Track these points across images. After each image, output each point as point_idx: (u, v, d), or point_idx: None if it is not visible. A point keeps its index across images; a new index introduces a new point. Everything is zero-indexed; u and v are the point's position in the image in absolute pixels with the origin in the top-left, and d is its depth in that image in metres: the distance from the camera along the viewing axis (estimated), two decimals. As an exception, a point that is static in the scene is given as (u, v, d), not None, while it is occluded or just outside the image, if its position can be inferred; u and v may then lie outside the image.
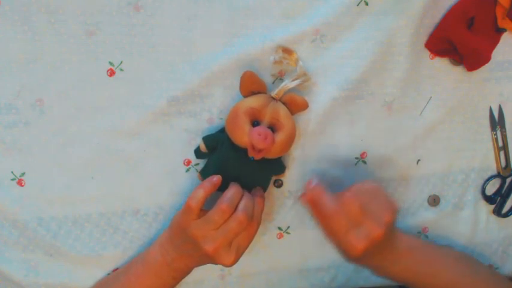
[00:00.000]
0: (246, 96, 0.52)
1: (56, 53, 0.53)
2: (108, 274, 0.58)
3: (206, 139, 0.54)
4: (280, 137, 0.51)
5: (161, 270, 0.53)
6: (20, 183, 0.55)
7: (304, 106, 0.53)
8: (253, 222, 0.49)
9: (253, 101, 0.51)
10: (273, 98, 0.52)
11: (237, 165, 0.52)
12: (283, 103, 0.52)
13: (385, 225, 0.47)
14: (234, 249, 0.49)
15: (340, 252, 0.51)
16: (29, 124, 0.54)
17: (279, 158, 0.55)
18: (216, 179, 0.50)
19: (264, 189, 0.55)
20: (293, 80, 0.53)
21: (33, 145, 0.54)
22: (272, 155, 0.52)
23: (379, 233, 0.47)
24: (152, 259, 0.54)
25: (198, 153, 0.56)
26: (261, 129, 0.49)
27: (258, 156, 0.50)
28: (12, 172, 0.55)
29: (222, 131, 0.54)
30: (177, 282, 0.55)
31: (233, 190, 0.49)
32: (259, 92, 0.52)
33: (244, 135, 0.50)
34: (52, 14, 0.52)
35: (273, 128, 0.51)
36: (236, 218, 0.47)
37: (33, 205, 0.55)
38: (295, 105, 0.53)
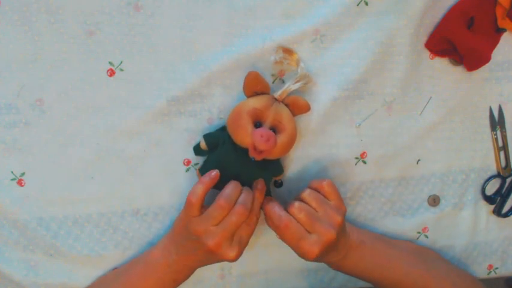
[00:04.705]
0: (249, 96, 0.52)
1: (56, 53, 0.53)
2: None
3: (207, 137, 0.54)
4: (281, 139, 0.51)
5: (162, 272, 0.53)
6: (20, 183, 0.55)
7: (307, 109, 0.53)
8: (253, 216, 0.50)
9: (257, 102, 0.51)
10: (276, 100, 0.52)
11: (237, 165, 0.52)
12: (286, 105, 0.52)
13: (336, 228, 0.49)
14: (237, 242, 0.49)
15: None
16: (29, 124, 0.54)
17: (278, 159, 0.55)
18: (214, 173, 0.51)
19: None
20: (296, 82, 0.53)
21: (33, 145, 0.54)
22: (273, 156, 0.52)
23: (331, 236, 0.49)
24: (154, 261, 0.54)
25: (197, 150, 0.56)
26: (264, 130, 0.49)
27: (259, 157, 0.50)
28: (12, 172, 0.55)
29: (223, 129, 0.54)
30: (178, 285, 0.55)
31: (231, 186, 0.50)
32: (262, 93, 0.52)
33: (246, 136, 0.50)
34: (52, 14, 0.52)
35: (275, 130, 0.51)
36: (235, 211, 0.48)
37: (33, 205, 0.55)
38: (298, 108, 0.53)
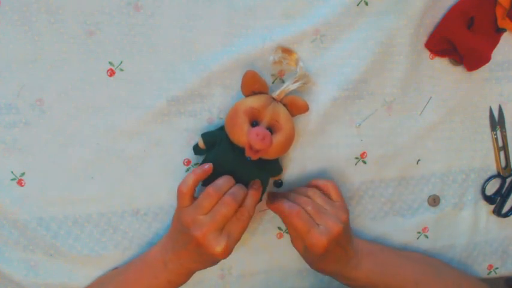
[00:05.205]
0: (247, 95, 0.52)
1: (56, 53, 0.53)
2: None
3: (205, 136, 0.54)
4: (278, 138, 0.51)
5: (158, 270, 0.53)
6: (20, 183, 0.55)
7: (305, 109, 0.53)
8: (244, 211, 0.50)
9: (254, 101, 0.51)
10: (274, 99, 0.52)
11: (234, 164, 0.52)
12: (284, 104, 0.52)
13: (342, 222, 0.50)
14: (225, 236, 0.48)
15: (305, 258, 0.54)
16: (29, 124, 0.54)
17: (277, 159, 0.55)
18: (208, 166, 0.51)
19: (263, 189, 0.54)
20: (294, 82, 0.53)
21: (33, 145, 0.54)
22: (270, 156, 0.52)
23: (338, 229, 0.49)
24: (152, 258, 0.54)
25: (196, 149, 0.56)
26: (260, 129, 0.49)
27: (254, 157, 0.50)
28: (12, 172, 0.55)
29: (222, 128, 0.54)
30: (173, 287, 0.54)
31: (223, 178, 0.50)
32: (260, 92, 0.52)
33: (242, 135, 0.50)
34: (52, 14, 0.52)
35: (271, 129, 0.51)
36: (223, 201, 0.48)
37: (33, 205, 0.55)
38: (296, 108, 0.53)
